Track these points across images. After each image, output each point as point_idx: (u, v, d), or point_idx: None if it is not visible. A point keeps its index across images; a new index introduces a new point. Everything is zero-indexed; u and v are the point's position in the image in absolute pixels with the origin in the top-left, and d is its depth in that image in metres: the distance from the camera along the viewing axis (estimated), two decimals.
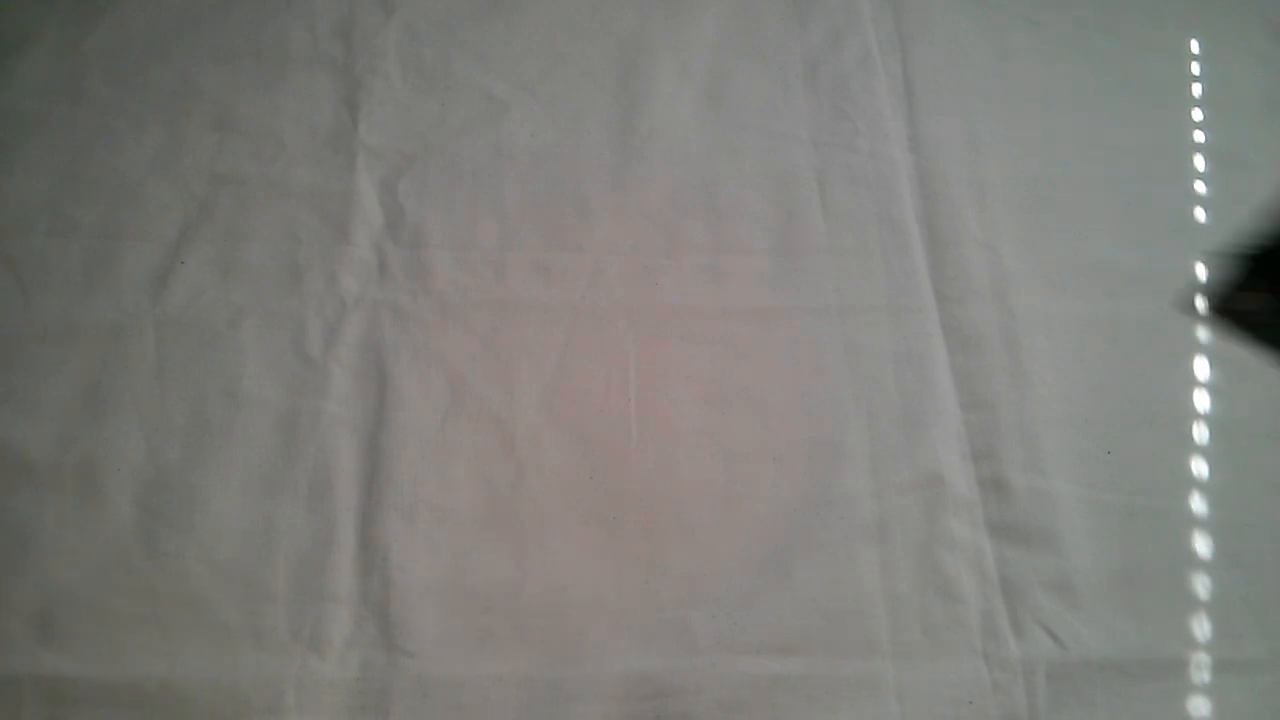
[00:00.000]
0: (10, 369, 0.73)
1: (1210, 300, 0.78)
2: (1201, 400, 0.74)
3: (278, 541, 0.65)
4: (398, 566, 0.66)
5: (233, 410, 0.72)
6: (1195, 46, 0.94)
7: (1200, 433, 0.74)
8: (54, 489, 0.68)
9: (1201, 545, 0.71)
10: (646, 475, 0.71)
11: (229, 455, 0.70)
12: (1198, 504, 0.72)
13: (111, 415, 0.71)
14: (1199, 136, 0.88)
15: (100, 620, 0.64)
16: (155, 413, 0.72)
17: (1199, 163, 0.87)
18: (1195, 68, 0.93)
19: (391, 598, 0.65)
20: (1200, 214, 0.84)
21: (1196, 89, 0.91)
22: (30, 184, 0.82)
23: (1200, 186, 0.85)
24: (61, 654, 0.63)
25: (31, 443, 0.70)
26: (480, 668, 0.65)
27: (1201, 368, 0.75)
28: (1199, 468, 0.73)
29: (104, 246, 0.79)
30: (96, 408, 0.72)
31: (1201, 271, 0.81)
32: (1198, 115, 0.90)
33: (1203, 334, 0.78)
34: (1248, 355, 0.75)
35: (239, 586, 0.65)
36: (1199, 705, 0.67)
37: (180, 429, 0.71)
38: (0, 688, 0.62)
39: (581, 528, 0.68)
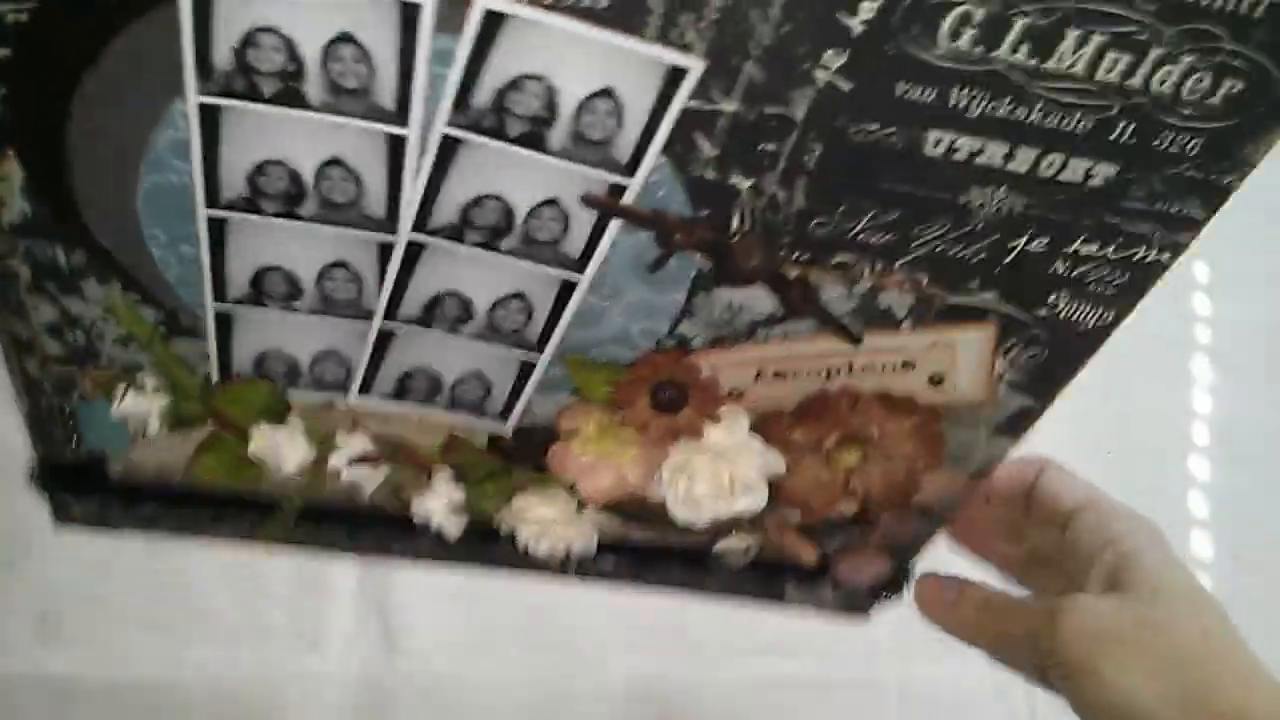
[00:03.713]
0: None
1: None
2: (1202, 400, 0.74)
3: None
4: (398, 566, 0.66)
5: None
6: None
7: (1200, 433, 0.73)
8: None
9: (1201, 545, 0.71)
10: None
11: None
12: (1198, 504, 0.72)
13: None
14: None
15: (100, 620, 0.64)
16: None
17: None
18: None
19: (391, 597, 0.65)
20: None
21: None
22: None
23: None
24: (61, 654, 0.63)
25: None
26: (480, 668, 0.65)
27: (1201, 368, 0.75)
28: (1199, 468, 0.73)
29: None
30: None
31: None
32: None
33: (1203, 334, 0.77)
34: (1248, 355, 0.75)
35: (239, 585, 0.64)
36: None
37: None
38: (0, 688, 0.62)
39: None
